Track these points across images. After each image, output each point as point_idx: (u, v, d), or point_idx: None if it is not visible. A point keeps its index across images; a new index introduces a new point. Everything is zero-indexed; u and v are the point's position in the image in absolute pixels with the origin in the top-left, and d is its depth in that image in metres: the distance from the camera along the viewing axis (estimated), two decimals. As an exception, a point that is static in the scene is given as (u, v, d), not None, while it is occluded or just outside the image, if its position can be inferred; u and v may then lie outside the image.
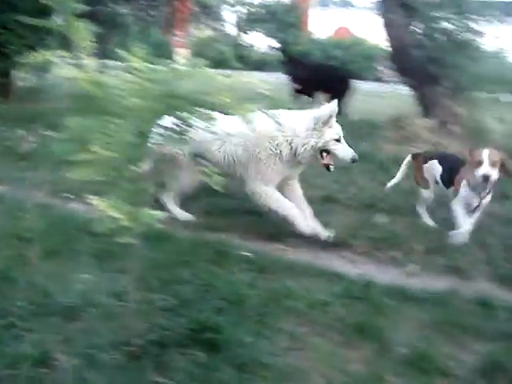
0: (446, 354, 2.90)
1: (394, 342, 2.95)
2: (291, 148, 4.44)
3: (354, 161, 4.51)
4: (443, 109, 8.38)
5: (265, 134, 4.43)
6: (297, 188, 4.72)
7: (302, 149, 4.41)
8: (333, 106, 4.40)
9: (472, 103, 8.63)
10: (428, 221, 4.88)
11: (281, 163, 4.48)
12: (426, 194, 4.92)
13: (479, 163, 4.24)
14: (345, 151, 4.46)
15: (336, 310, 3.25)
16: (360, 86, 10.99)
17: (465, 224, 4.35)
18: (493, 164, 4.23)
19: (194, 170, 4.39)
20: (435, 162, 4.85)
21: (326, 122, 4.36)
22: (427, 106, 8.64)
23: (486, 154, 4.24)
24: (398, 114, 8.53)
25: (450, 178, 4.71)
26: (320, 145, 4.39)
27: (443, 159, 4.89)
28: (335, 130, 4.42)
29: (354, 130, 6.87)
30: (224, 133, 4.39)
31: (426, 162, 4.93)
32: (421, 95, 8.78)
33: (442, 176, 4.78)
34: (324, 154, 4.46)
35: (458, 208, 4.45)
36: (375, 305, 3.35)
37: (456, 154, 5.27)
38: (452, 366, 2.81)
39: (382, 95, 14.11)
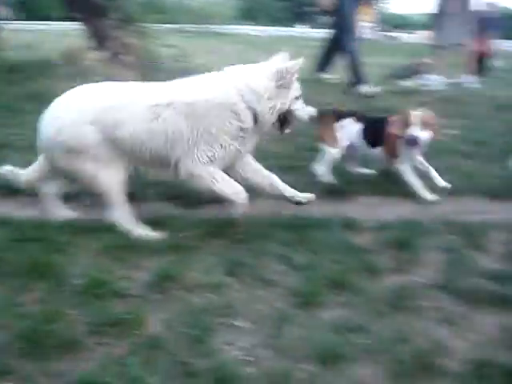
0: (119, 276, 3.12)
1: (70, 275, 3.09)
2: (254, 115, 3.63)
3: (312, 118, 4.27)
4: (114, 40, 8.68)
5: (218, 100, 3.56)
6: (251, 161, 3.97)
7: (268, 114, 3.64)
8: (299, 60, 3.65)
9: (142, 33, 9.05)
10: (330, 178, 4.77)
11: (239, 137, 3.64)
12: (334, 152, 4.78)
13: (409, 124, 4.35)
14: (305, 109, 4.03)
15: (7, 256, 3.28)
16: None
17: (418, 185, 4.53)
18: (423, 125, 4.35)
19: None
20: (352, 120, 4.79)
21: (292, 77, 3.63)
22: (99, 39, 8.85)
23: (415, 115, 4.36)
24: (70, 49, 8.58)
25: (375, 139, 4.71)
26: (286, 106, 3.68)
27: (362, 118, 4.82)
28: (296, 85, 3.74)
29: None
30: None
31: (338, 120, 4.80)
32: (92, 28, 8.94)
33: (364, 136, 4.75)
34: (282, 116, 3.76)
35: (406, 170, 4.55)
36: (49, 243, 3.44)
37: (376, 114, 5.51)
38: (125, 285, 3.03)
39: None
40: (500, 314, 2.88)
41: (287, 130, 3.90)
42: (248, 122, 3.60)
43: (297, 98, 3.76)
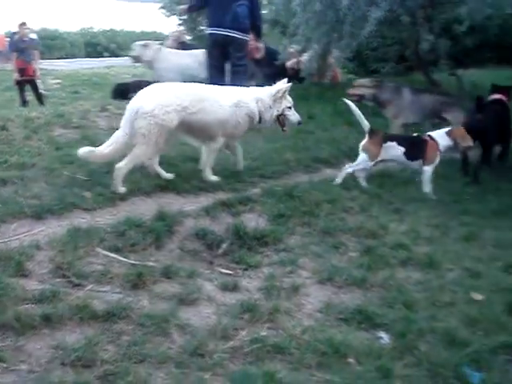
0: None
1: None
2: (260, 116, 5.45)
3: (299, 123, 5.71)
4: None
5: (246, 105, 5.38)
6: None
7: (269, 116, 5.45)
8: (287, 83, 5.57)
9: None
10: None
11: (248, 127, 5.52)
12: (370, 164, 5.70)
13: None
14: (295, 116, 5.61)
15: None
16: None
17: None
18: None
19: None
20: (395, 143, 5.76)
21: (283, 94, 5.46)
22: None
23: None
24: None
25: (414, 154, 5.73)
26: (279, 112, 5.47)
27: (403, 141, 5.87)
28: (289, 99, 5.54)
29: None
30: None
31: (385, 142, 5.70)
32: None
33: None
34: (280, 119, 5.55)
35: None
36: None
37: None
38: None
39: None
40: (50, 336, 3.04)
41: (285, 128, 5.64)
42: (256, 120, 5.43)
43: (289, 108, 5.52)
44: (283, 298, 3.64)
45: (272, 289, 3.71)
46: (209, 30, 7.97)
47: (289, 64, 10.51)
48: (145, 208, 4.62)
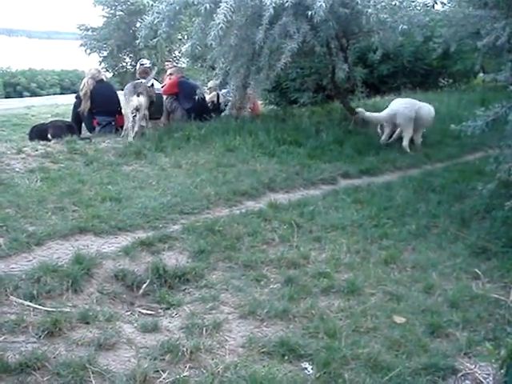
0: None
1: None
2: None
3: None
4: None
5: None
6: None
7: None
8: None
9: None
10: None
11: None
12: None
13: None
14: None
15: None
16: None
17: None
18: None
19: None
20: None
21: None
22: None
23: None
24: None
25: None
26: None
27: None
28: None
29: None
30: None
31: None
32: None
33: None
34: None
35: None
36: None
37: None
38: None
39: None
40: None
41: None
42: None
43: None
44: (205, 335, 3.60)
45: (193, 327, 3.67)
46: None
47: (208, 98, 10.55)
48: (62, 252, 4.49)
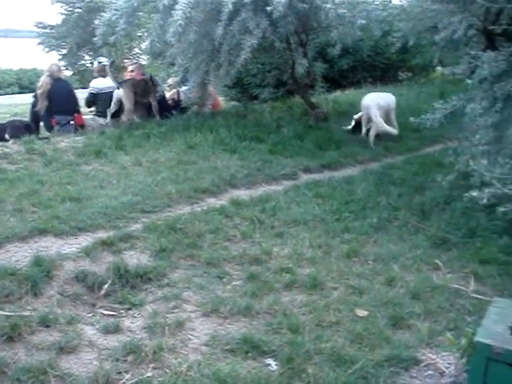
0: None
1: None
2: None
3: None
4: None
5: None
6: None
7: None
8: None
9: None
10: None
11: None
12: None
13: None
14: None
15: None
16: None
17: None
18: None
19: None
20: None
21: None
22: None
23: None
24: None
25: None
26: None
27: None
28: None
29: None
30: None
31: None
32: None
33: None
34: None
35: None
36: None
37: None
38: None
39: None
40: None
41: None
42: None
43: None
44: (168, 334, 3.58)
45: (156, 326, 3.65)
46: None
47: (169, 95, 10.48)
48: (20, 254, 4.40)
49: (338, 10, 8.02)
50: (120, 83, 9.82)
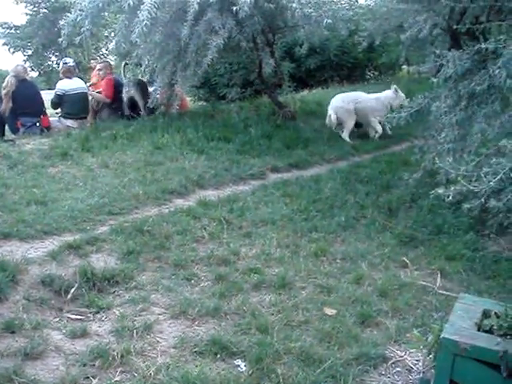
0: None
1: None
2: None
3: None
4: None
5: None
6: None
7: None
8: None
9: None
10: None
11: None
12: None
13: None
14: None
15: None
16: None
17: None
18: None
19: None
20: None
21: None
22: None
23: None
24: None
25: None
26: None
27: None
28: None
29: None
30: None
31: None
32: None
33: None
34: None
35: None
36: None
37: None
38: None
39: None
40: None
41: None
42: None
43: None
44: (136, 338, 3.55)
45: (124, 330, 3.61)
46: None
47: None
48: (-16, 259, 4.34)
49: (305, 9, 8.04)
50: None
